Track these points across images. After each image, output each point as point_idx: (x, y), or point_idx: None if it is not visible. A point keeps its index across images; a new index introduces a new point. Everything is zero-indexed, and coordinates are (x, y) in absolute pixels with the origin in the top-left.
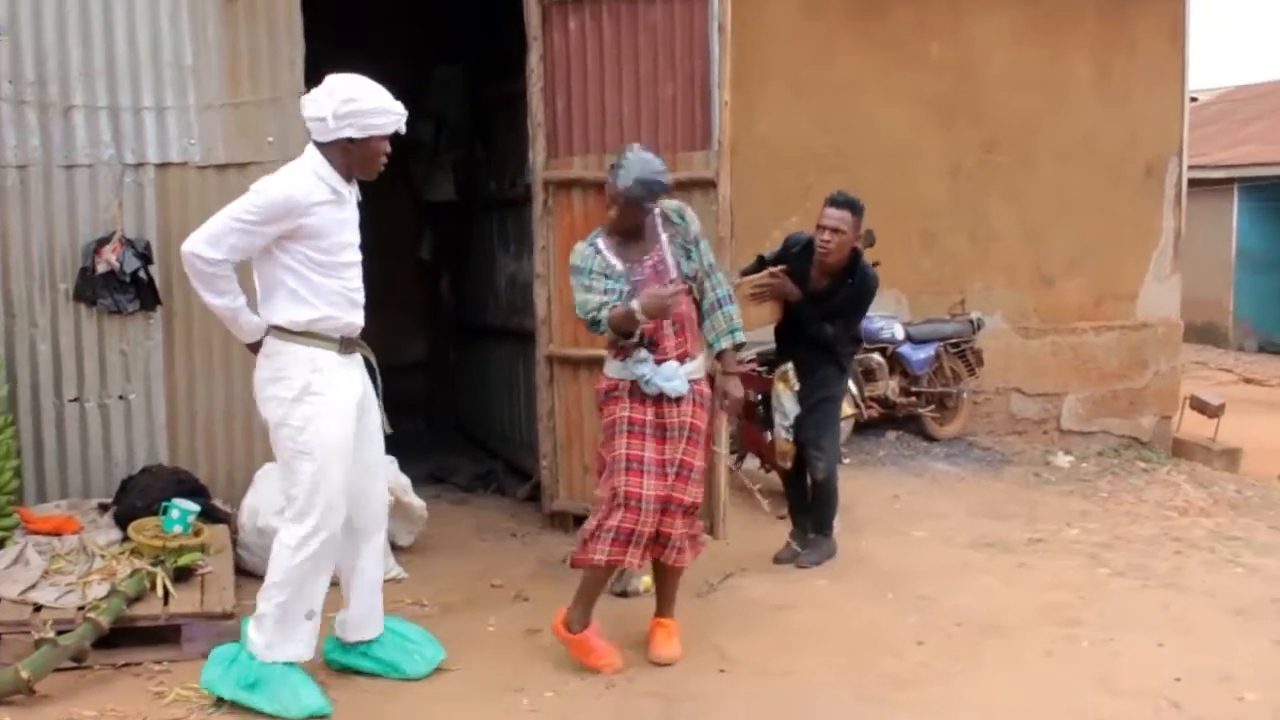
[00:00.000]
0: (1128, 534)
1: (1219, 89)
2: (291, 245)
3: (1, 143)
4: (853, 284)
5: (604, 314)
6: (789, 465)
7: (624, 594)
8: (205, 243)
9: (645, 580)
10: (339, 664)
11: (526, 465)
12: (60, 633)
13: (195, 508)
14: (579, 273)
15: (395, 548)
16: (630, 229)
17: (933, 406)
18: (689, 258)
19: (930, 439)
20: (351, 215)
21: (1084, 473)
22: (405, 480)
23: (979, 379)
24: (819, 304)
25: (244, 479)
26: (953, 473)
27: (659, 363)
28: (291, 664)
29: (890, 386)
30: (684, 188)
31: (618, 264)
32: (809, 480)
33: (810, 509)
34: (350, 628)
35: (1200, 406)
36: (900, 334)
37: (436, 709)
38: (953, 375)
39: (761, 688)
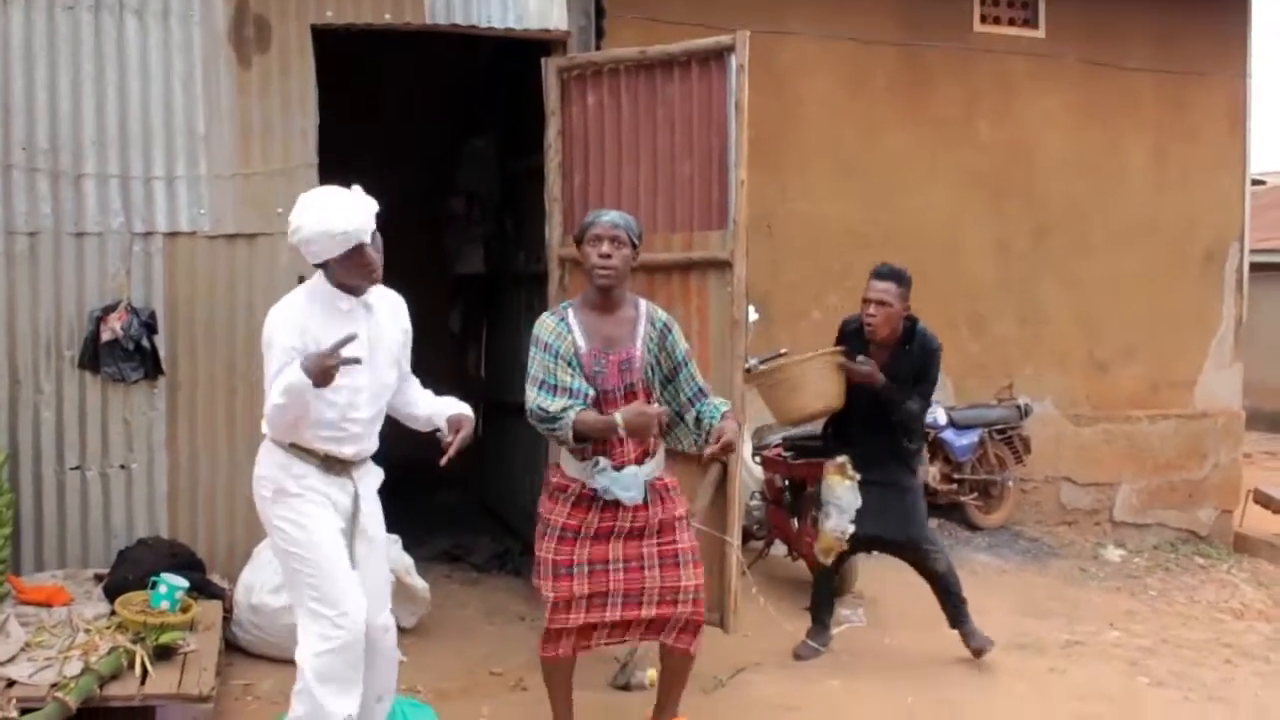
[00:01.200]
0: (1175, 638)
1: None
2: None
3: (12, 210)
4: (911, 350)
5: (569, 416)
6: (829, 561)
7: (626, 687)
8: (269, 406)
9: (651, 674)
10: None
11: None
12: (24, 711)
13: (184, 583)
14: (546, 350)
15: (398, 629)
16: (600, 300)
17: (976, 494)
18: (659, 365)
19: (974, 528)
20: (365, 330)
21: (1134, 568)
22: (409, 561)
23: (1026, 466)
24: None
25: (244, 553)
26: (994, 564)
27: (618, 467)
28: None
29: (932, 473)
30: (700, 267)
31: (582, 344)
32: (925, 578)
33: (942, 606)
34: None
35: (1265, 501)
36: (943, 419)
37: None
38: (998, 462)
39: None
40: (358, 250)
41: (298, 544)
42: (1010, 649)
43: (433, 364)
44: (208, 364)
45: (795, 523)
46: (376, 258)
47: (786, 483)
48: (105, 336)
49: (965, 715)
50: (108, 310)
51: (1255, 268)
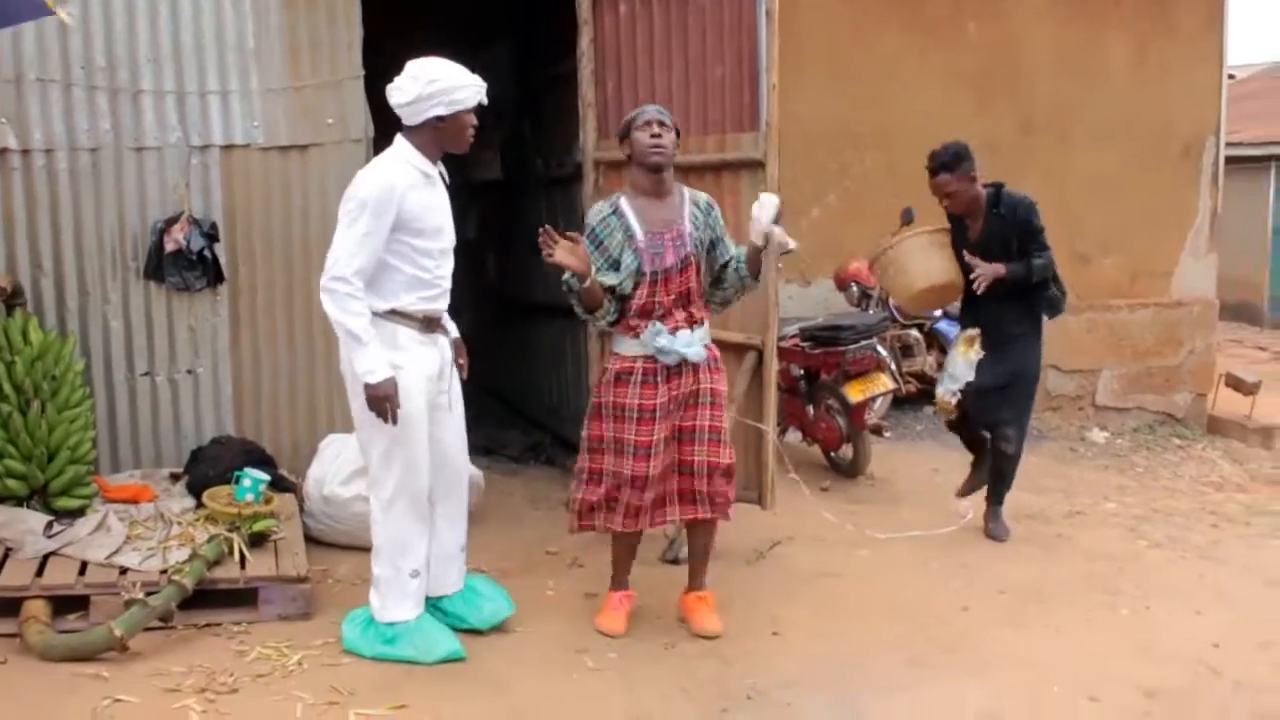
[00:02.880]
0: (1164, 508)
1: (1258, 65)
2: (391, 235)
3: (74, 126)
4: (1001, 213)
5: (575, 283)
6: (952, 418)
7: (675, 561)
8: (339, 267)
9: None
10: None
11: (575, 437)
12: (148, 594)
13: (266, 477)
14: (590, 237)
15: None
16: (653, 184)
17: None
18: (702, 241)
19: None
20: (442, 198)
21: (1119, 448)
22: None
23: None
24: (988, 251)
25: (308, 449)
26: None
27: (673, 331)
28: (415, 619)
29: (928, 362)
30: (732, 169)
31: (638, 230)
32: (994, 453)
33: (990, 478)
34: (431, 584)
35: (1236, 384)
36: (937, 310)
37: (505, 668)
38: None
39: (814, 649)
40: (471, 112)
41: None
42: (1019, 518)
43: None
44: (266, 271)
45: (810, 410)
46: None
47: (802, 372)
48: (169, 247)
49: (985, 575)
50: (170, 222)
51: (1226, 161)
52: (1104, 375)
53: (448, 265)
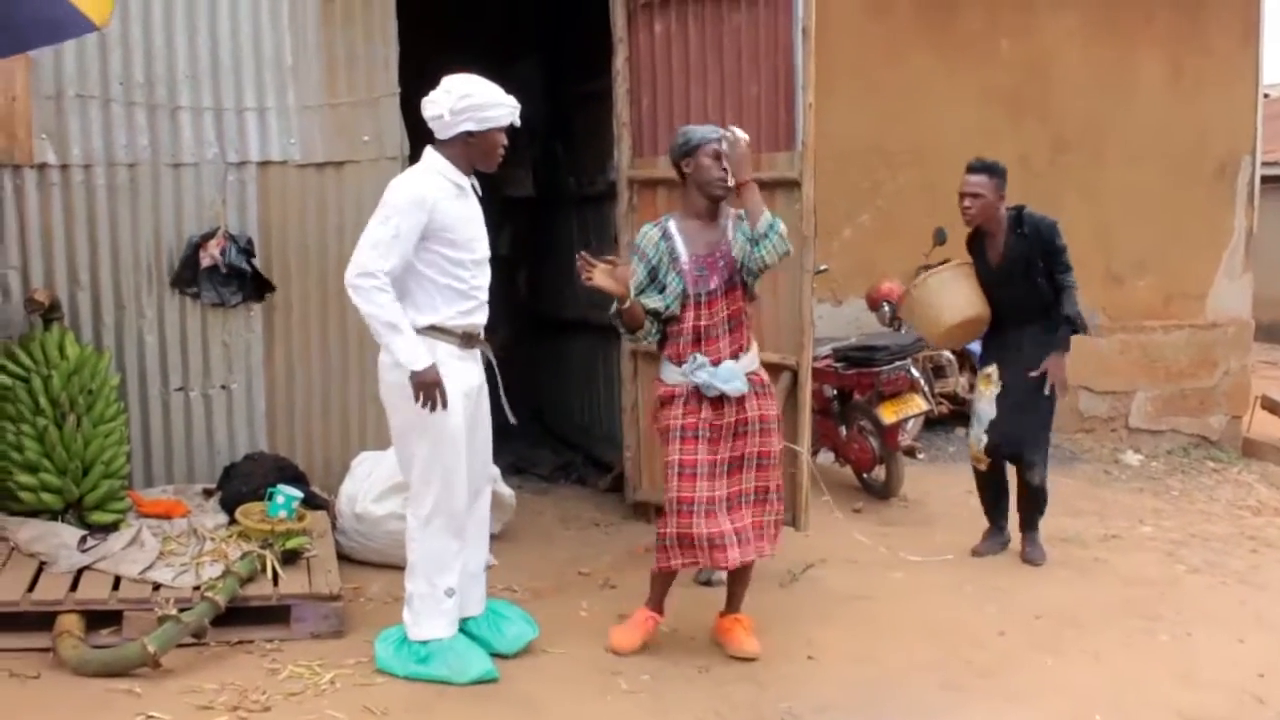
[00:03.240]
0: (1202, 532)
1: None
2: (423, 245)
3: (113, 142)
4: (1025, 233)
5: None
6: (984, 468)
7: (708, 583)
8: (360, 263)
9: None
10: None
11: (606, 457)
12: (181, 610)
13: (299, 494)
14: (641, 260)
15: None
16: (708, 209)
17: None
18: (747, 258)
19: None
20: (476, 210)
21: (1154, 471)
22: (495, 470)
23: None
24: (1009, 274)
25: (340, 467)
26: None
27: (715, 363)
28: (449, 638)
29: (960, 383)
30: (768, 188)
31: (684, 253)
32: (1019, 481)
33: (1019, 508)
34: None
35: (1271, 406)
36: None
37: (538, 690)
38: None
39: (849, 674)
40: (502, 131)
41: (432, 429)
42: (1054, 541)
43: None
44: (301, 287)
45: (843, 431)
46: None
47: (835, 393)
48: (205, 263)
49: (1020, 599)
50: (206, 237)
51: (1261, 180)
52: (1138, 397)
53: (484, 277)
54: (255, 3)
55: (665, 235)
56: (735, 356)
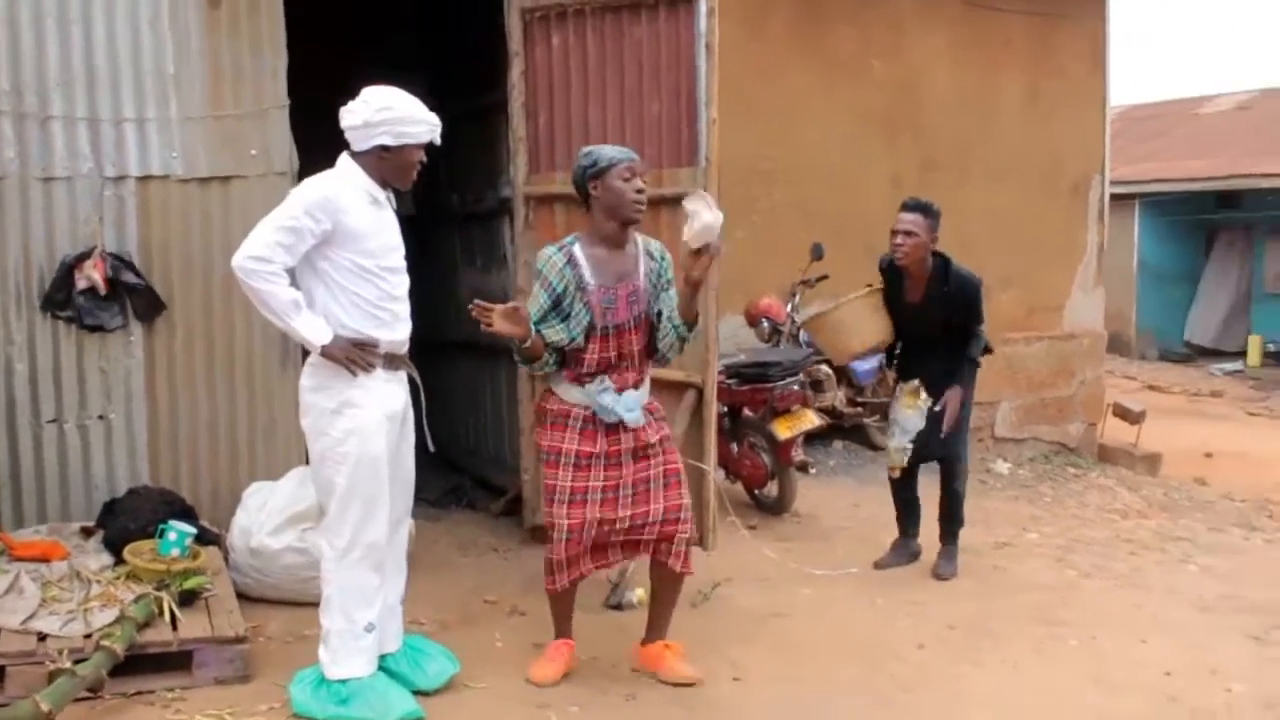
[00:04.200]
0: (1082, 537)
1: (1118, 108)
2: (333, 253)
3: None
4: (950, 291)
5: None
6: (897, 475)
7: (618, 607)
8: (253, 247)
9: (640, 593)
10: None
11: (496, 480)
12: (76, 661)
13: (192, 530)
14: (547, 290)
15: None
16: (616, 235)
17: (877, 416)
18: (656, 297)
19: (875, 448)
20: (391, 220)
21: (1024, 479)
22: None
23: None
24: (924, 315)
25: (230, 498)
26: None
27: (619, 390)
28: (369, 677)
29: (838, 397)
30: (670, 203)
31: (591, 281)
32: (943, 491)
33: (941, 519)
34: None
35: (1123, 414)
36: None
37: None
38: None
39: (778, 694)
40: (420, 148)
41: (347, 458)
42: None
43: None
44: (184, 309)
45: (734, 447)
46: None
47: (726, 409)
48: (80, 284)
49: (931, 610)
50: (81, 257)
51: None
52: (1002, 407)
53: (402, 288)
54: (133, 6)
55: (571, 261)
56: (636, 386)
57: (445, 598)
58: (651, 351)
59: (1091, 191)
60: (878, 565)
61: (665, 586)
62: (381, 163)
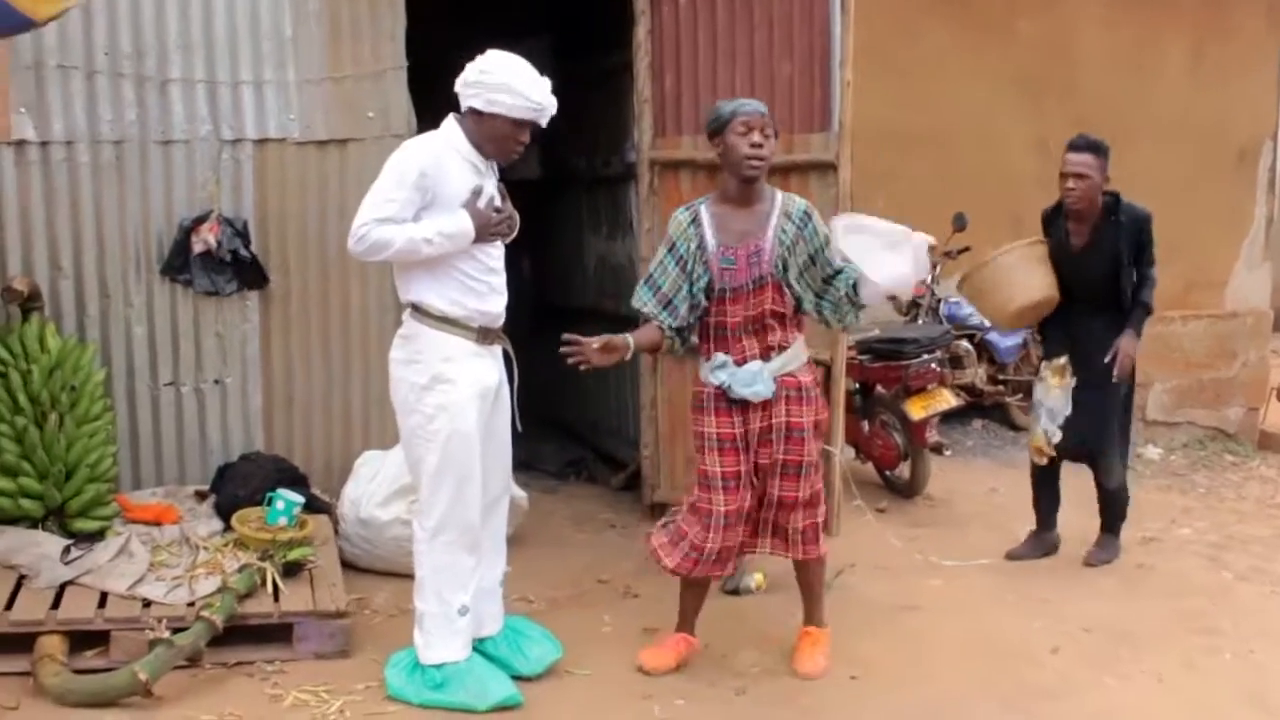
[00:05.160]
0: (1240, 534)
1: None
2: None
3: (97, 117)
4: (1120, 220)
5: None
6: (1043, 463)
7: (735, 592)
8: (365, 218)
9: (758, 577)
10: None
11: (618, 453)
12: (174, 630)
13: (300, 499)
14: (670, 250)
15: None
16: (740, 192)
17: (1019, 395)
18: (793, 254)
19: (1016, 428)
20: (491, 189)
21: (1176, 466)
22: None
23: None
24: (1090, 261)
25: (343, 467)
26: None
27: (739, 363)
28: (464, 660)
29: (978, 374)
30: (801, 170)
31: (711, 243)
32: (1098, 490)
33: (1101, 511)
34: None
35: None
36: (988, 321)
37: (564, 713)
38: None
39: (899, 698)
40: (526, 126)
41: (437, 435)
42: (1090, 544)
43: None
44: (300, 275)
45: (866, 425)
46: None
47: (857, 386)
48: (197, 248)
49: (1067, 610)
50: (198, 221)
51: None
52: (1154, 389)
53: (499, 259)
54: None
55: (695, 221)
56: (765, 357)
57: (557, 574)
58: (815, 312)
59: (1262, 159)
60: (1010, 556)
61: (799, 572)
62: (477, 127)
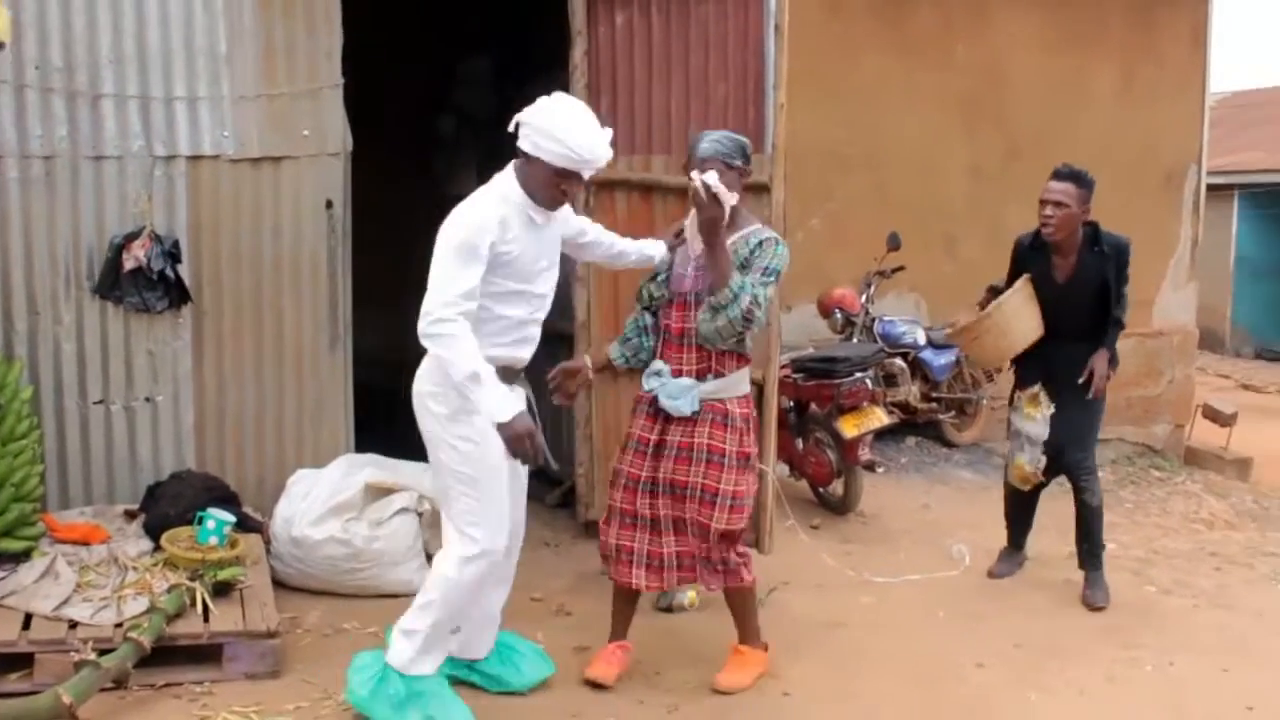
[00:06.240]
0: (1164, 549)
1: (1218, 95)
2: (489, 276)
3: (26, 132)
4: (1103, 251)
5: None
6: (1027, 489)
7: (668, 609)
8: (440, 308)
9: (691, 595)
10: (446, 674)
11: (555, 471)
12: (100, 652)
13: (231, 518)
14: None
15: (430, 558)
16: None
17: (953, 413)
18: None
19: (949, 445)
20: (549, 240)
21: (1104, 482)
22: None
23: (997, 384)
24: (1073, 292)
25: (275, 485)
26: (976, 480)
27: (675, 374)
28: (436, 677)
29: (912, 392)
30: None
31: (681, 252)
32: (1076, 509)
33: (1078, 540)
34: (459, 647)
35: (1213, 415)
36: (922, 339)
37: None
38: (972, 381)
39: (828, 713)
40: (576, 177)
41: (471, 464)
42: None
43: (419, 285)
44: (233, 291)
45: (799, 443)
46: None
47: (792, 404)
48: (128, 265)
49: (996, 626)
50: (130, 237)
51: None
52: None
53: (542, 311)
54: None
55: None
56: (701, 376)
57: None
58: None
59: (1187, 182)
60: (991, 575)
61: (726, 597)
62: (526, 172)
